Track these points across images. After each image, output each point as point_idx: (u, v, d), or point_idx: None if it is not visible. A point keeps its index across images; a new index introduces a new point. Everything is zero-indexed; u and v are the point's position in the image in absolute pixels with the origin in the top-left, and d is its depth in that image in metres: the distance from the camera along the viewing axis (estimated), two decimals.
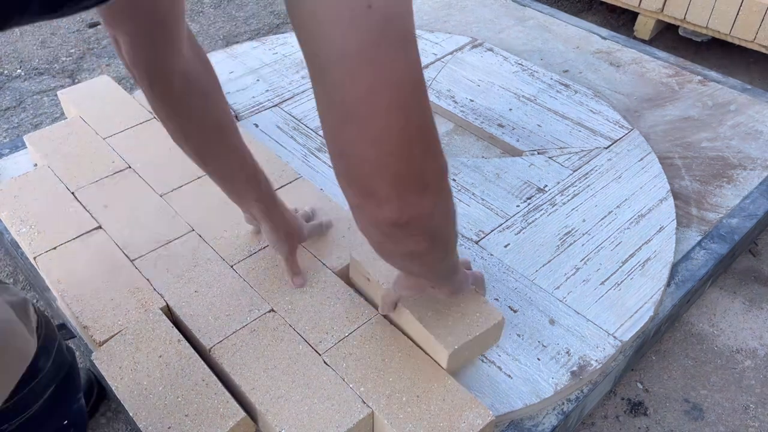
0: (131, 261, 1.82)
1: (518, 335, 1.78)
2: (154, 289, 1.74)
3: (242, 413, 1.48)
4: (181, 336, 1.64)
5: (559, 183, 2.25)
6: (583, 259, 2.00)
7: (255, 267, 1.81)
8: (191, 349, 1.61)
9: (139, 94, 2.39)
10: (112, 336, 1.64)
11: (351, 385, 1.53)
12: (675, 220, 2.12)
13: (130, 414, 1.51)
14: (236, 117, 2.50)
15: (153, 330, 1.65)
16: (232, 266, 1.81)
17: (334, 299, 1.72)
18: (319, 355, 1.60)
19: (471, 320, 1.65)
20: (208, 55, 1.68)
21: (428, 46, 2.93)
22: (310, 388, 1.52)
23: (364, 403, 1.50)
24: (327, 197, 2.01)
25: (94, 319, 1.66)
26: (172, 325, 1.66)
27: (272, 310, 1.70)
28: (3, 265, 2.31)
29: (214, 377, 1.55)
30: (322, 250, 1.86)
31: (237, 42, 3.55)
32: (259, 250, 1.85)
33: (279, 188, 2.04)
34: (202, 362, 1.59)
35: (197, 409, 1.49)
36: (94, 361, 1.60)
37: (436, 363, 1.59)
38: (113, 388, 1.55)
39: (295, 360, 1.58)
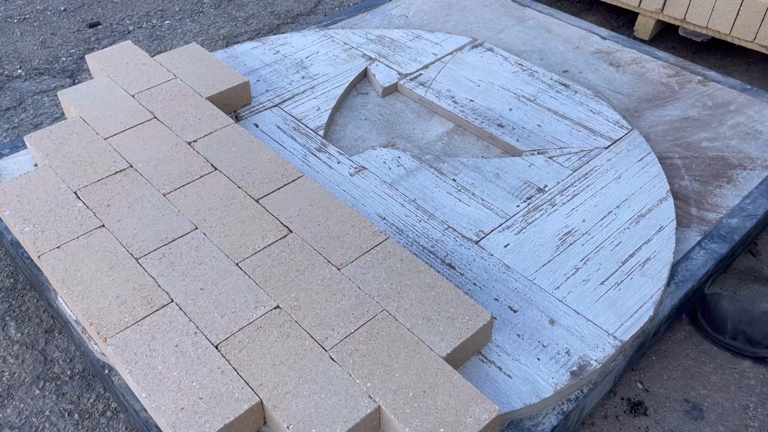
0: (136, 259, 1.83)
1: (518, 335, 1.79)
2: (160, 287, 1.75)
3: (257, 398, 1.50)
4: (197, 329, 1.65)
5: (559, 183, 2.26)
6: (583, 259, 2.00)
7: (260, 264, 1.81)
8: (207, 340, 1.63)
9: (140, 94, 2.40)
10: (126, 327, 1.65)
11: (358, 381, 1.54)
12: (675, 220, 2.13)
13: (143, 395, 1.52)
14: (236, 117, 2.51)
15: (170, 322, 1.67)
16: (237, 264, 1.82)
17: (339, 296, 1.73)
18: (326, 351, 1.60)
19: (461, 324, 1.67)
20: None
21: (428, 46, 2.94)
22: (317, 383, 1.53)
23: (371, 398, 1.51)
24: (330, 195, 2.02)
25: (100, 316, 1.67)
26: (189, 319, 1.67)
27: (278, 306, 1.71)
28: (3, 265, 2.31)
29: (230, 366, 1.57)
30: (326, 247, 1.86)
31: (237, 42, 3.55)
32: (264, 247, 1.86)
33: (281, 187, 2.05)
34: (218, 353, 1.60)
35: (211, 393, 1.52)
36: (109, 347, 1.61)
37: (441, 359, 1.60)
38: (127, 372, 1.56)
39: (301, 356, 1.59)
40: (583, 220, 2.12)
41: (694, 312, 2.09)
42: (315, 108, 2.57)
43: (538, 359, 1.73)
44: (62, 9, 3.86)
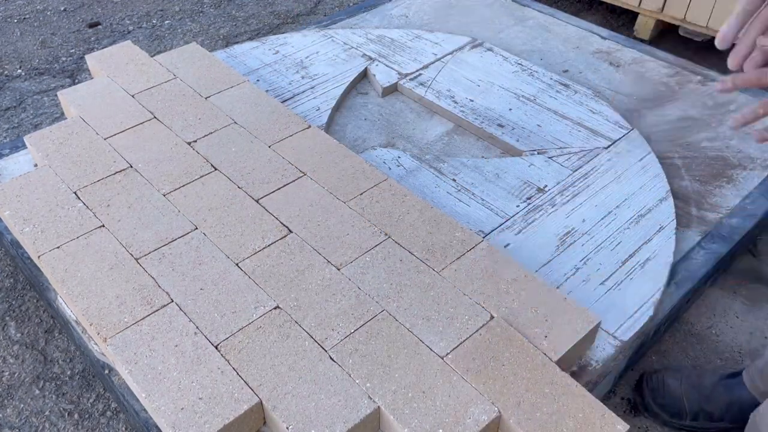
0: (136, 259, 1.83)
1: None
2: (160, 287, 1.75)
3: (256, 399, 1.51)
4: (197, 329, 1.66)
5: (559, 183, 2.25)
6: (583, 259, 2.00)
7: (260, 264, 1.82)
8: (207, 340, 1.63)
9: (140, 94, 2.40)
10: (126, 327, 1.66)
11: (357, 381, 1.54)
12: (675, 220, 2.13)
13: (143, 395, 1.52)
14: None
15: (170, 322, 1.67)
16: (237, 264, 1.82)
17: (339, 296, 1.73)
18: (326, 351, 1.61)
19: (461, 324, 1.67)
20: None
21: (428, 46, 2.94)
22: (317, 384, 1.53)
23: (371, 398, 1.51)
24: (330, 194, 2.02)
25: (100, 316, 1.67)
26: (189, 319, 1.68)
27: (278, 306, 1.71)
28: (3, 265, 2.31)
29: (230, 366, 1.58)
30: (326, 247, 1.86)
31: (237, 42, 3.55)
32: (264, 247, 1.86)
33: (281, 187, 2.05)
34: (218, 353, 1.61)
35: (211, 393, 1.52)
36: (109, 347, 1.61)
37: (441, 359, 1.60)
38: (127, 372, 1.56)
39: (301, 356, 1.59)
40: (583, 220, 2.12)
41: (642, 399, 1.90)
42: (315, 108, 2.57)
43: None
44: (62, 9, 3.86)
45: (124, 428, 1.87)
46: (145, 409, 1.62)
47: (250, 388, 1.53)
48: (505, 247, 2.04)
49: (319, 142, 2.22)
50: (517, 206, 2.17)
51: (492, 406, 1.50)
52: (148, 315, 1.68)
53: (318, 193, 2.03)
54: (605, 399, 1.92)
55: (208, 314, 1.68)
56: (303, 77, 2.75)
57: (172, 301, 1.72)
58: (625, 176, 2.28)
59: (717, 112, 2.63)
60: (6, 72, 3.31)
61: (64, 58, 3.43)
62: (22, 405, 1.93)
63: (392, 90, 2.74)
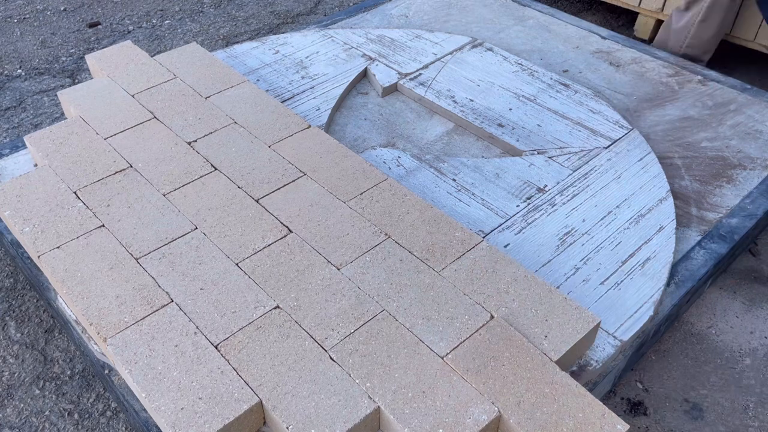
0: (135, 259, 1.83)
1: None
2: (160, 287, 1.75)
3: (256, 399, 1.51)
4: (197, 329, 1.66)
5: (559, 183, 2.25)
6: (583, 259, 2.00)
7: (260, 264, 1.82)
8: (207, 340, 1.63)
9: (140, 94, 2.40)
10: (126, 327, 1.66)
11: (357, 381, 1.54)
12: (675, 220, 2.13)
13: (143, 395, 1.52)
14: None
15: (170, 322, 1.67)
16: (237, 264, 1.82)
17: (339, 296, 1.73)
18: (326, 351, 1.61)
19: (461, 324, 1.67)
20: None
21: (428, 46, 2.94)
22: (317, 384, 1.53)
23: (371, 398, 1.51)
24: (330, 194, 2.02)
25: (100, 316, 1.67)
26: (189, 319, 1.68)
27: (278, 306, 1.71)
28: (3, 265, 2.31)
29: (230, 366, 1.58)
30: (326, 247, 1.86)
31: (237, 42, 3.55)
32: (264, 247, 1.86)
33: (281, 187, 2.05)
34: (218, 353, 1.61)
35: (211, 393, 1.52)
36: (109, 347, 1.61)
37: (441, 359, 1.60)
38: (127, 372, 1.56)
39: (301, 356, 1.59)
40: (583, 220, 2.12)
41: None
42: (315, 108, 2.57)
43: None
44: (62, 9, 3.86)
45: (124, 428, 1.87)
46: (144, 409, 1.62)
47: (250, 388, 1.53)
48: (505, 247, 2.04)
49: (319, 142, 2.22)
50: (517, 206, 2.17)
51: (492, 406, 1.50)
52: (148, 315, 1.68)
53: (318, 193, 2.03)
54: (605, 399, 1.92)
55: (208, 314, 1.68)
56: (303, 77, 2.75)
57: (172, 301, 1.72)
58: (625, 176, 2.28)
59: (717, 112, 2.63)
60: (6, 72, 3.31)
61: (64, 58, 3.43)
62: (22, 405, 1.92)
63: (392, 90, 2.74)
